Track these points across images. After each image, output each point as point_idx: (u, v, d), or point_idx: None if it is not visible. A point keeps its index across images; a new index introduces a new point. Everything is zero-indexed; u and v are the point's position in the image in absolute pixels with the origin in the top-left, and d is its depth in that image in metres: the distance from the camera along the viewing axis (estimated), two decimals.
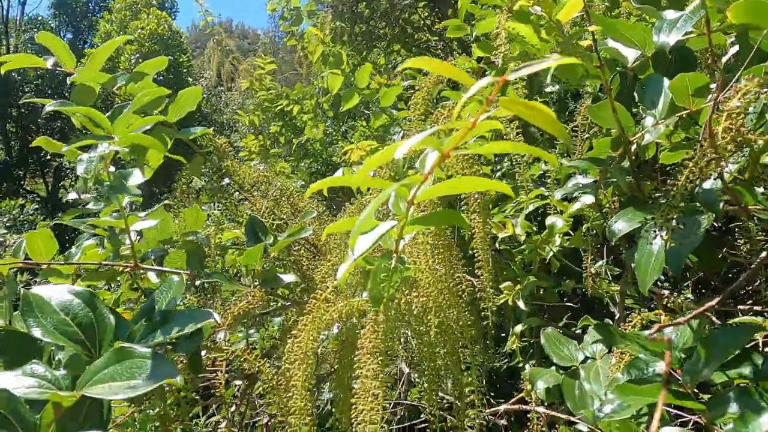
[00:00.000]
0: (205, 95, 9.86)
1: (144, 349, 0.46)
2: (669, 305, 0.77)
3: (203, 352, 0.71)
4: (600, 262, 1.18)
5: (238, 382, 1.13)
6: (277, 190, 0.97)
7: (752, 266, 0.62)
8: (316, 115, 3.72)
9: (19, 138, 11.40)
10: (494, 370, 1.52)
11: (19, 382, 0.46)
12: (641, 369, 0.67)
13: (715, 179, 0.62)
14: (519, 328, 1.18)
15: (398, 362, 1.52)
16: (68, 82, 0.93)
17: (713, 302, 0.54)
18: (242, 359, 0.67)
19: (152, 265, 0.83)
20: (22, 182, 11.95)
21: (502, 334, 1.44)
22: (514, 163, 1.13)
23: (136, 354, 0.46)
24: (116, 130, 0.70)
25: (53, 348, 0.63)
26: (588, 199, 0.99)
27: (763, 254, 0.61)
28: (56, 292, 0.54)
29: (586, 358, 0.93)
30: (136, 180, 0.70)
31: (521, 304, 1.12)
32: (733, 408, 0.52)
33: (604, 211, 1.03)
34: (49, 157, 11.49)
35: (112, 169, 0.71)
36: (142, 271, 0.86)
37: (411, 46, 3.03)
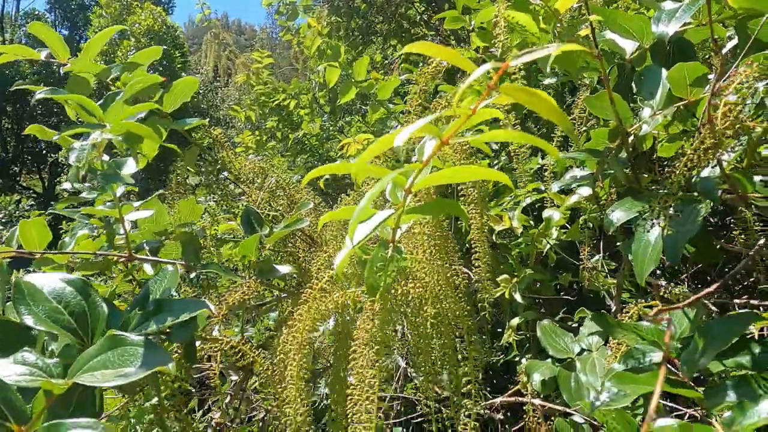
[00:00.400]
0: (201, 91, 9.83)
1: (136, 336, 0.46)
2: (666, 296, 0.77)
3: (198, 343, 0.71)
4: (597, 257, 1.18)
5: (234, 378, 1.13)
6: (273, 182, 0.97)
7: (750, 253, 0.62)
8: (313, 110, 3.71)
9: (14, 134, 11.34)
10: (490, 365, 1.52)
11: (10, 369, 0.45)
12: (638, 359, 0.67)
13: (713, 167, 0.62)
14: (515, 321, 1.18)
15: (395, 356, 1.51)
16: (63, 76, 0.92)
17: (711, 288, 0.54)
18: (237, 350, 0.67)
19: (147, 256, 0.82)
20: (18, 178, 11.91)
21: (499, 329, 1.44)
22: (513, 156, 1.13)
23: (129, 342, 0.45)
24: (109, 118, 0.69)
25: (46, 338, 0.63)
26: (585, 191, 0.99)
27: (762, 241, 0.61)
28: (49, 280, 0.54)
29: (582, 350, 0.93)
30: (129, 169, 0.70)
31: (518, 296, 1.12)
32: (731, 397, 0.52)
33: (601, 203, 1.03)
34: (45, 153, 11.45)
35: (105, 158, 0.70)
36: (137, 263, 0.85)
37: (408, 41, 3.02)
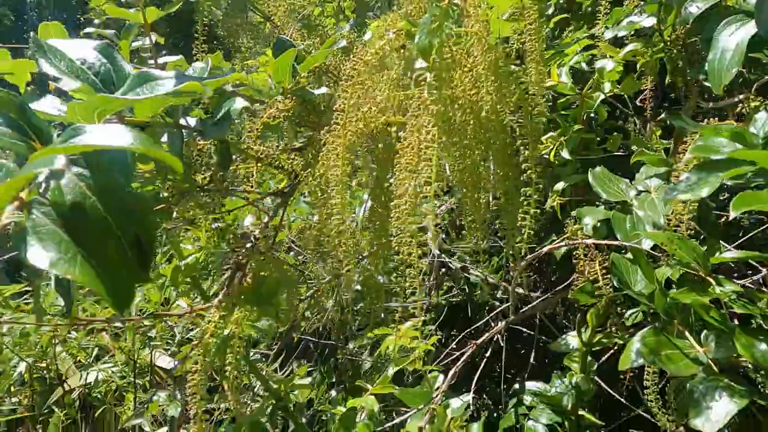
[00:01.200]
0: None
1: (164, 72, 0.41)
2: (743, 112, 0.69)
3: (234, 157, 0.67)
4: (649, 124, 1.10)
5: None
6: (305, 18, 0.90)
7: None
8: (339, 18, 3.56)
9: None
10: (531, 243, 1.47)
11: (38, 104, 0.42)
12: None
13: None
14: (560, 185, 1.12)
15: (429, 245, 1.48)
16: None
17: None
18: (275, 158, 0.62)
19: None
20: None
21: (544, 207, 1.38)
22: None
23: (156, 76, 0.41)
24: None
25: None
26: (648, 21, 0.89)
27: None
28: (72, 46, 0.49)
29: (639, 192, 0.87)
30: None
31: (565, 153, 1.05)
32: None
33: (667, 42, 0.92)
34: None
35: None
36: None
37: None
